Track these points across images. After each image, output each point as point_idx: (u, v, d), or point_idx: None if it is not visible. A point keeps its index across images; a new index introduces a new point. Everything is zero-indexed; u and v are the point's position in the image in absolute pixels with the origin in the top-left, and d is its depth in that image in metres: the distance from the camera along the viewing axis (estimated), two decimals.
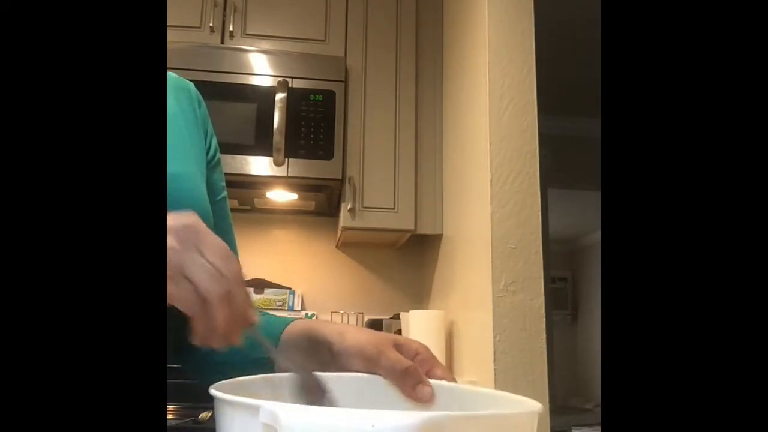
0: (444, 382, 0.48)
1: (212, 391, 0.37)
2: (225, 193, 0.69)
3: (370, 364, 0.49)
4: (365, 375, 0.49)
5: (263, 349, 0.48)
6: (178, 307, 0.39)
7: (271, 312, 1.91)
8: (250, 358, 0.54)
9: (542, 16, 1.43)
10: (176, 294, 0.38)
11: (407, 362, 0.47)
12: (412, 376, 0.47)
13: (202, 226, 0.41)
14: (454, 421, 0.29)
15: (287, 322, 0.58)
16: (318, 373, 0.46)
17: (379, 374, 0.48)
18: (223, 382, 0.42)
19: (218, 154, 0.67)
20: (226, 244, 0.41)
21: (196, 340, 0.40)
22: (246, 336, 0.42)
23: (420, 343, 0.52)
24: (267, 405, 0.30)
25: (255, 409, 0.30)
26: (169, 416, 1.36)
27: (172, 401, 1.40)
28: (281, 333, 0.57)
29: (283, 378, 0.46)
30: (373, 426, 0.27)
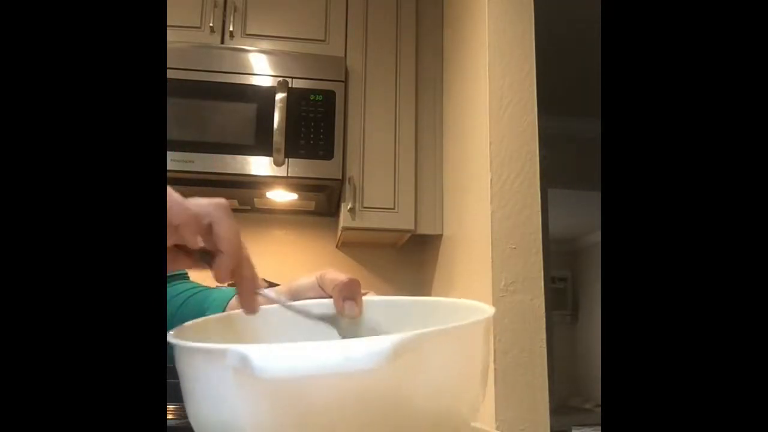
0: (386, 297, 0.51)
1: (171, 339, 0.35)
2: None
3: (319, 287, 0.51)
4: (318, 300, 0.51)
5: (211, 312, 0.55)
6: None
7: None
8: None
9: (542, 16, 1.43)
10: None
11: (345, 278, 0.49)
12: (347, 289, 0.49)
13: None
14: (423, 338, 0.30)
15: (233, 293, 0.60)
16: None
17: (328, 293, 0.51)
18: (178, 328, 0.40)
19: None
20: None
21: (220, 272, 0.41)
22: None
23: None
24: (235, 348, 0.28)
25: (221, 354, 0.29)
26: (169, 416, 1.36)
27: (172, 401, 1.40)
28: (227, 301, 0.60)
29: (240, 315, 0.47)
30: (346, 358, 0.27)
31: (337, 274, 0.50)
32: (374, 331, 0.49)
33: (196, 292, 0.63)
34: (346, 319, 0.48)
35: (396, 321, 0.49)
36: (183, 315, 0.61)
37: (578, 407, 4.14)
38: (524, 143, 1.33)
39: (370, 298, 0.50)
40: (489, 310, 0.39)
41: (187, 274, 0.70)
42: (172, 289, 0.64)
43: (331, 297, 0.49)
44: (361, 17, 1.83)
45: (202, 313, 0.57)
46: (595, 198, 3.32)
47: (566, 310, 5.01)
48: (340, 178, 1.66)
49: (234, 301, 0.59)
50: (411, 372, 0.30)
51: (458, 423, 0.34)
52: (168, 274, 0.57)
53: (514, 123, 1.34)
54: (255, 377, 0.27)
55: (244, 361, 0.28)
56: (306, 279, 0.53)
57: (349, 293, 0.48)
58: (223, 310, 0.59)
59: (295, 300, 0.51)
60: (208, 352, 0.32)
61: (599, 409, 3.85)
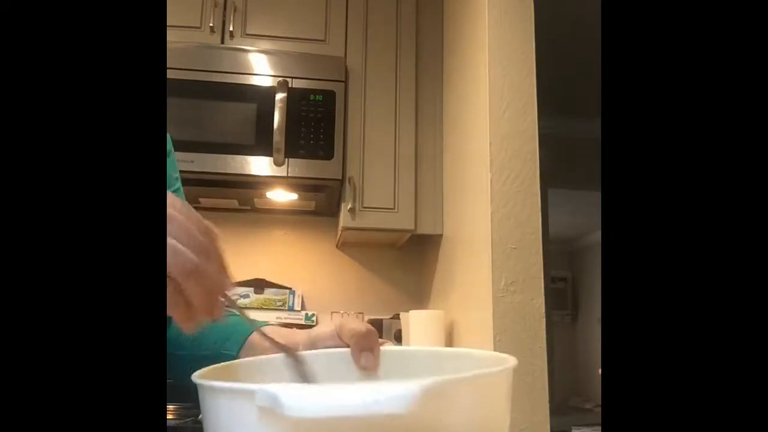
0: (401, 348, 0.51)
1: (197, 380, 0.35)
2: (179, 185, 0.71)
3: (338, 336, 0.51)
4: (336, 350, 0.51)
5: (231, 343, 0.53)
6: None
7: (271, 312, 1.90)
8: (218, 352, 0.56)
9: (542, 16, 1.43)
10: None
11: (365, 328, 0.49)
12: (365, 339, 0.48)
13: (174, 200, 0.38)
14: (451, 384, 0.30)
15: (256, 325, 0.59)
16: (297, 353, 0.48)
17: (345, 342, 0.50)
18: (203, 370, 0.40)
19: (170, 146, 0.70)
20: (196, 215, 0.39)
21: (182, 325, 0.38)
22: (218, 325, 0.42)
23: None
24: (265, 388, 0.28)
25: (250, 394, 0.29)
26: (169, 416, 1.36)
27: (172, 401, 1.40)
28: (248, 335, 0.58)
29: (263, 359, 0.47)
30: (376, 400, 0.27)
31: (356, 324, 0.50)
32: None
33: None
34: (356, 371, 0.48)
35: (412, 373, 0.48)
36: (199, 344, 0.59)
37: (578, 407, 4.14)
38: (524, 143, 1.33)
39: (387, 349, 0.50)
40: (511, 360, 0.39)
41: None
42: None
43: (348, 347, 0.49)
44: (361, 17, 1.83)
45: (222, 341, 0.56)
46: (595, 198, 3.32)
47: (566, 310, 5.00)
48: (340, 178, 1.66)
49: (255, 336, 0.57)
50: (438, 416, 0.30)
51: None
52: None
53: (514, 123, 1.34)
54: (283, 417, 0.27)
55: (273, 400, 0.28)
56: (325, 327, 0.52)
57: (367, 344, 0.48)
58: (242, 345, 0.57)
59: (313, 348, 0.51)
60: (236, 391, 0.31)
61: (599, 409, 3.85)
